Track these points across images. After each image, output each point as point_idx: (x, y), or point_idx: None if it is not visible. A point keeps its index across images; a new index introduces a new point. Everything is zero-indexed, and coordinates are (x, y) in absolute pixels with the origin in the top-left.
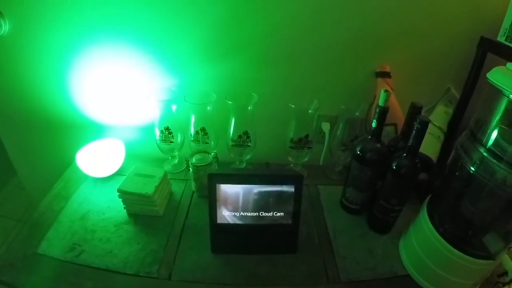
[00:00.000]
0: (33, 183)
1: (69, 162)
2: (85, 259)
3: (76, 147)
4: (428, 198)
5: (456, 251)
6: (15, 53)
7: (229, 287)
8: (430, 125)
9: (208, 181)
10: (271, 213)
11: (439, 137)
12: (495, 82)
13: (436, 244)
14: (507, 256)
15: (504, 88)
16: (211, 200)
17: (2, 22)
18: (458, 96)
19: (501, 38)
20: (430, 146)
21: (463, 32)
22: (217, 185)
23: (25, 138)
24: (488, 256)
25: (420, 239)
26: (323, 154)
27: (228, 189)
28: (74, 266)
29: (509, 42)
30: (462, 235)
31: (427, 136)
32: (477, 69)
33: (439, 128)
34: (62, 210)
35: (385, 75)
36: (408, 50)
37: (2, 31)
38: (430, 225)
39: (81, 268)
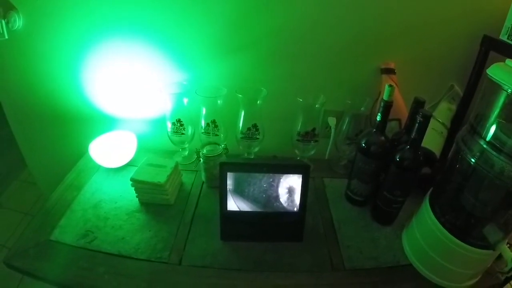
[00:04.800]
0: (43, 177)
1: (81, 155)
2: (97, 245)
3: (88, 140)
4: (430, 190)
5: (457, 240)
6: (28, 47)
7: (237, 272)
8: (433, 121)
9: (220, 170)
10: (279, 202)
11: (442, 132)
12: (494, 77)
13: (438, 234)
14: (506, 246)
15: (503, 83)
16: (222, 188)
17: (16, 17)
18: (461, 93)
19: (503, 37)
20: (433, 142)
21: (466, 30)
22: (228, 173)
23: (38, 132)
24: (488, 246)
25: (423, 230)
26: (329, 148)
27: (238, 178)
28: (87, 252)
29: (511, 40)
30: (463, 225)
31: (430, 132)
32: (480, 66)
33: (443, 124)
34: (75, 199)
35: (389, 71)
36: (412, 48)
37: (16, 26)
38: (432, 216)
39: (93, 253)
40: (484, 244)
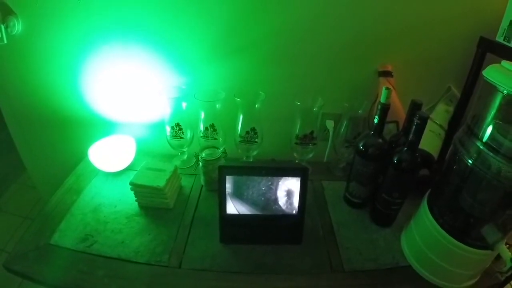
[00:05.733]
0: (43, 180)
1: (80, 159)
2: (97, 249)
3: (87, 144)
4: (429, 191)
5: (455, 241)
6: (28, 51)
7: (237, 275)
8: (431, 123)
9: (218, 173)
10: (278, 204)
11: (440, 134)
12: (490, 79)
13: (436, 235)
14: (504, 246)
15: (498, 84)
16: (221, 192)
17: (16, 22)
18: (458, 95)
19: (499, 38)
20: (431, 143)
21: (463, 32)
22: (227, 176)
23: (37, 136)
24: (487, 246)
25: (421, 231)
26: (327, 151)
27: (237, 181)
28: (86, 255)
29: (507, 42)
30: (461, 226)
31: (428, 134)
32: (477, 68)
33: (440, 126)
34: (74, 203)
35: (387, 74)
36: (409, 50)
37: (15, 31)
38: (431, 217)
39: (93, 257)
40: (483, 244)
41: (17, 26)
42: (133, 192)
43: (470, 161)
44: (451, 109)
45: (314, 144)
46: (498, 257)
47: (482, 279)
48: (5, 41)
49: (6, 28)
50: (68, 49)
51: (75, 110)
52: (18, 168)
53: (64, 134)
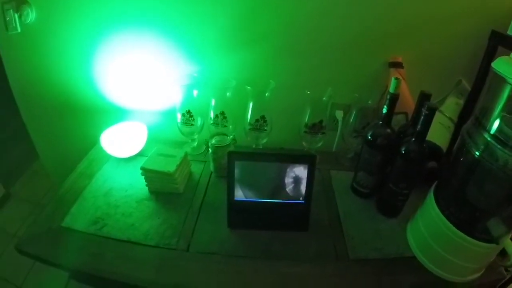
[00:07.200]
0: (55, 167)
1: (92, 145)
2: (108, 232)
3: (100, 131)
4: (435, 183)
5: (461, 233)
6: (41, 40)
7: (243, 259)
8: (441, 116)
9: (228, 158)
10: (285, 191)
11: (449, 127)
12: (499, 71)
13: (442, 227)
14: (509, 241)
15: (507, 76)
16: (230, 177)
17: (29, 11)
18: (469, 88)
19: (511, 32)
20: (440, 136)
21: (474, 26)
22: (235, 162)
23: (50, 123)
24: (492, 240)
25: (427, 222)
26: (336, 141)
27: (246, 167)
28: (97, 238)
29: None
30: (467, 218)
31: (437, 126)
32: (488, 62)
33: (450, 118)
34: (86, 187)
35: (397, 65)
36: (420, 43)
37: (29, 19)
38: (437, 208)
39: (104, 240)
40: (488, 237)
41: (31, 15)
42: (143, 177)
43: (477, 153)
44: (461, 102)
45: (323, 133)
46: (503, 253)
47: (486, 273)
48: (19, 30)
49: (19, 17)
50: (81, 37)
51: (88, 97)
52: (31, 156)
53: (76, 121)
